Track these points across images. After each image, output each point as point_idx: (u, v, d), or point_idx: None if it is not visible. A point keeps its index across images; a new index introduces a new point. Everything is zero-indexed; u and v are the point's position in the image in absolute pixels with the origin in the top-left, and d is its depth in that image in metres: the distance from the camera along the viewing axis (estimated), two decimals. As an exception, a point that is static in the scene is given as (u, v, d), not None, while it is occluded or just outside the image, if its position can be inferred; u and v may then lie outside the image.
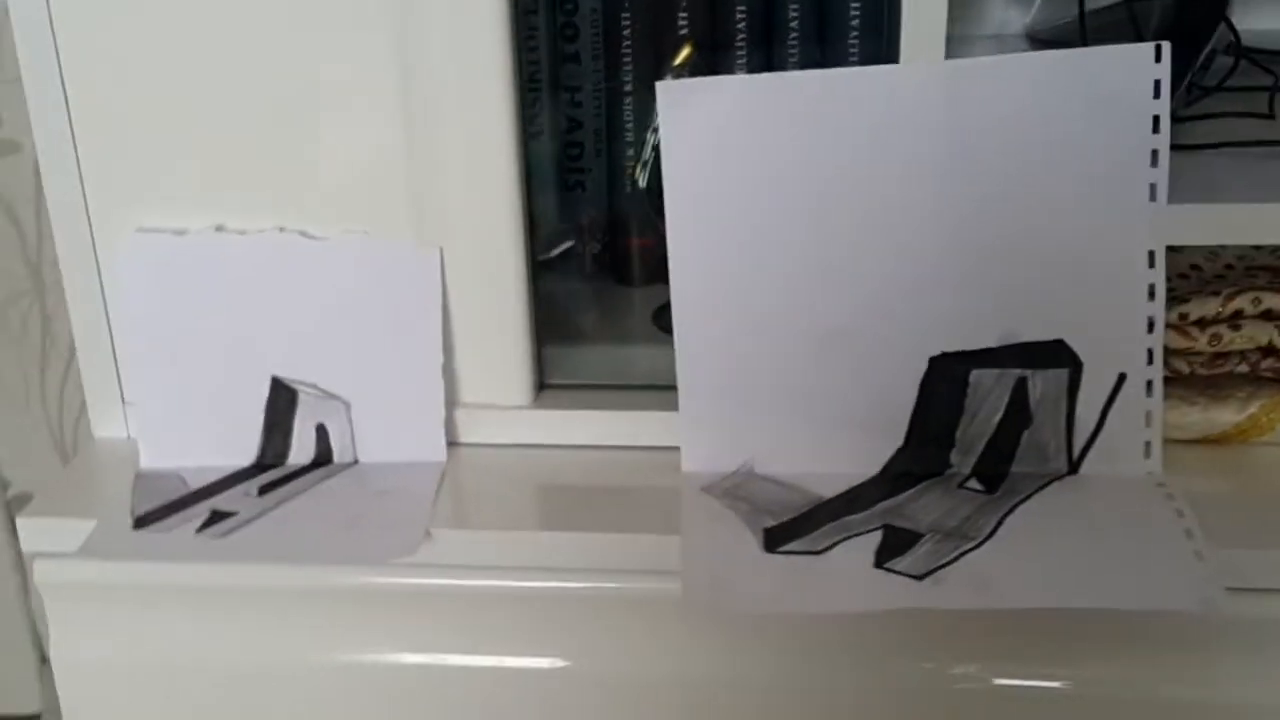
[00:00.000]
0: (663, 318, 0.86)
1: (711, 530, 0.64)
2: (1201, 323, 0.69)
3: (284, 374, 0.72)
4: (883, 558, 0.62)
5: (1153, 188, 0.64)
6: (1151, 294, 0.66)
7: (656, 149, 0.77)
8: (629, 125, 0.89)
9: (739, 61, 0.78)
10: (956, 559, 0.61)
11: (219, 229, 0.71)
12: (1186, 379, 0.70)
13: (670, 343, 0.71)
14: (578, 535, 0.65)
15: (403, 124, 0.68)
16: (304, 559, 0.64)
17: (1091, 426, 0.67)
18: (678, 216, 0.67)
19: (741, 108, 0.65)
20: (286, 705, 0.68)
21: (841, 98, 0.65)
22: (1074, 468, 0.68)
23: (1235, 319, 0.69)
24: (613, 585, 0.65)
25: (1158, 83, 0.63)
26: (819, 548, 0.63)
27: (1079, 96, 0.64)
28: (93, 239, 0.72)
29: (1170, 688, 0.62)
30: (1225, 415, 0.69)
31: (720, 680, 0.65)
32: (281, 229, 0.71)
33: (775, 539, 0.63)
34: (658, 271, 0.88)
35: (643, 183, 0.82)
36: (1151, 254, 0.65)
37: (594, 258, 0.92)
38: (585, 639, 0.66)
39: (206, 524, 0.67)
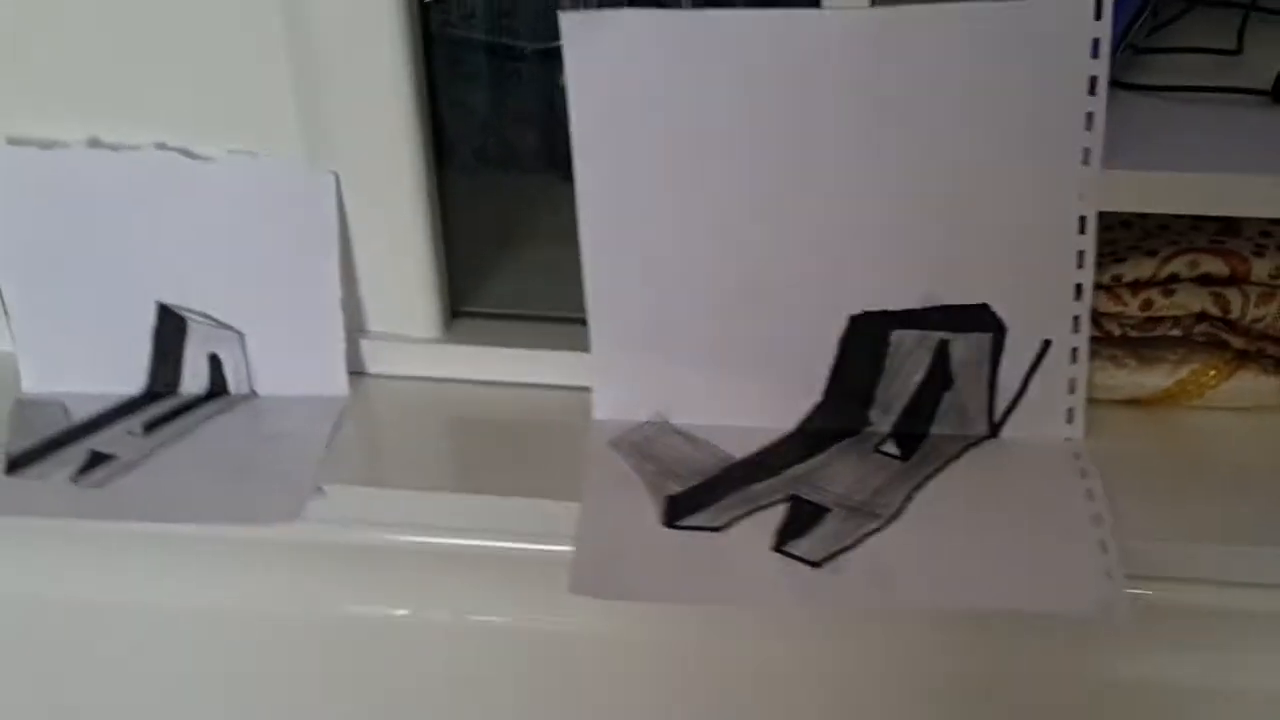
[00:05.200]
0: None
1: (611, 498, 0.62)
2: (1135, 285, 0.66)
3: (171, 300, 0.68)
4: (783, 538, 0.60)
5: (1086, 151, 0.60)
6: (1081, 260, 0.62)
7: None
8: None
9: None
10: (858, 543, 0.59)
11: (93, 143, 0.66)
12: (1117, 340, 0.67)
13: None
14: (472, 498, 0.62)
15: (286, 29, 0.62)
16: (179, 517, 0.61)
17: (1014, 391, 0.65)
18: (586, 154, 0.63)
19: (653, 44, 0.60)
20: (148, 649, 0.67)
21: (762, 40, 0.60)
22: (994, 431, 0.66)
23: (1170, 283, 0.66)
24: (502, 546, 0.62)
25: (1096, 41, 0.58)
26: (720, 523, 0.61)
27: (1013, 52, 0.59)
28: (-39, 147, 0.67)
29: (1069, 670, 0.61)
30: (1154, 379, 0.67)
31: (610, 639, 0.64)
32: (161, 145, 0.65)
33: (677, 510, 0.61)
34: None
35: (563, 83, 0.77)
36: (1083, 219, 0.62)
37: (533, 150, 0.87)
38: (472, 596, 0.64)
39: (83, 469, 0.64)
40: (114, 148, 0.65)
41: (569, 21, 0.59)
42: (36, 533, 0.64)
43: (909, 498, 0.62)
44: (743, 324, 0.65)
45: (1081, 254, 0.62)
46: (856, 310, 0.64)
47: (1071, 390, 0.65)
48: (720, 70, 0.60)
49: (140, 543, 0.64)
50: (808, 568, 0.58)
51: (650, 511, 0.61)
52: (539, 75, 0.86)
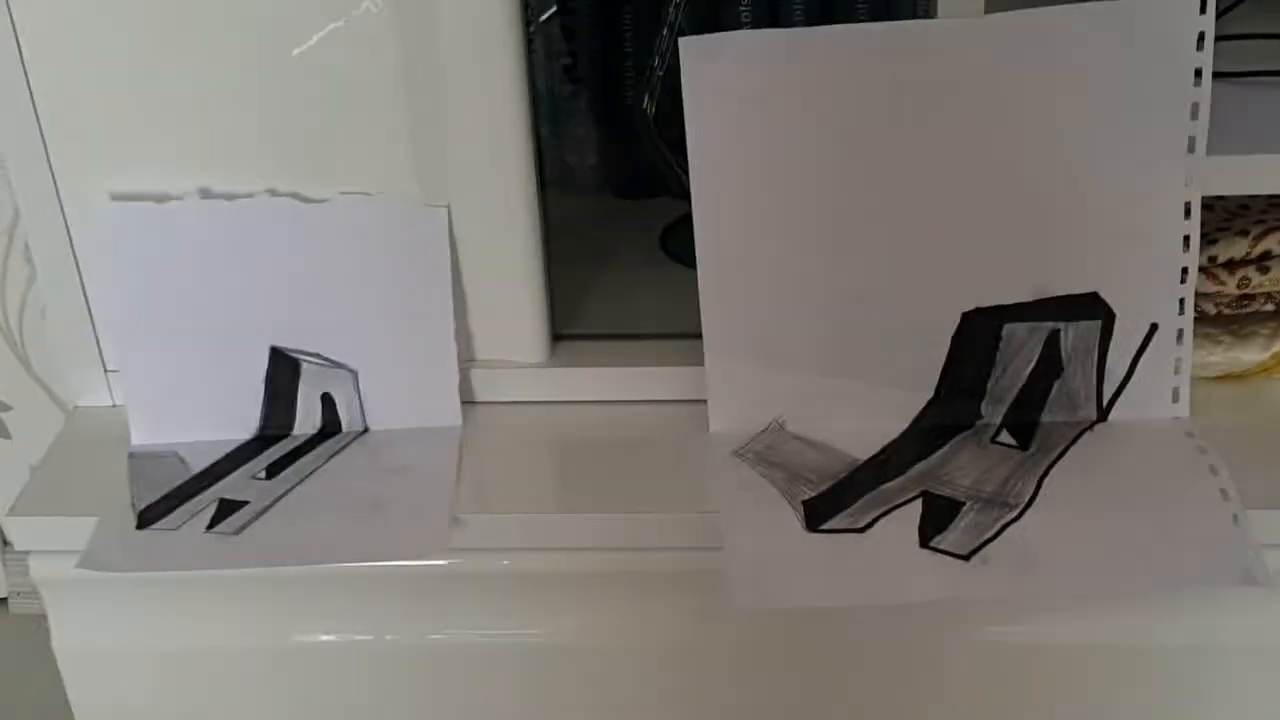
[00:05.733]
0: (670, 241, 0.83)
1: (750, 507, 0.63)
2: (1230, 265, 0.68)
3: (284, 344, 0.68)
4: (926, 534, 0.61)
5: (1191, 140, 0.62)
6: (1186, 244, 0.64)
7: (664, 76, 0.73)
8: (626, 33, 0.84)
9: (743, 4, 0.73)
10: (999, 533, 0.61)
11: (204, 193, 0.66)
12: (1211, 318, 0.69)
13: (681, 271, 0.69)
14: (611, 517, 0.63)
15: (403, 74, 0.62)
16: (327, 557, 0.62)
17: (1121, 375, 0.67)
18: (702, 172, 0.64)
19: (769, 62, 0.62)
20: (310, 688, 0.67)
21: (877, 53, 0.61)
22: (1103, 415, 0.67)
23: (1263, 260, 0.68)
24: (652, 561, 0.63)
25: (1201, 34, 0.60)
26: (861, 524, 0.62)
27: (1120, 48, 0.61)
28: (61, 206, 0.67)
29: (1204, 639, 0.63)
30: (1250, 354, 0.69)
31: (760, 653, 0.65)
32: (273, 191, 0.66)
33: (816, 514, 0.62)
34: (657, 185, 0.85)
35: (650, 111, 0.78)
36: (1188, 205, 0.64)
37: (590, 169, 0.88)
38: (623, 615, 0.65)
39: (216, 519, 0.64)
40: (226, 197, 0.65)
41: (688, 46, 0.61)
42: (175, 585, 0.64)
43: (1039, 485, 0.63)
44: (855, 328, 0.66)
45: (1187, 238, 0.64)
46: (969, 307, 0.66)
47: (1177, 371, 0.67)
48: (832, 83, 0.62)
49: (279, 586, 0.64)
50: (958, 561, 0.60)
51: (790, 517, 0.63)
52: (596, 98, 0.87)
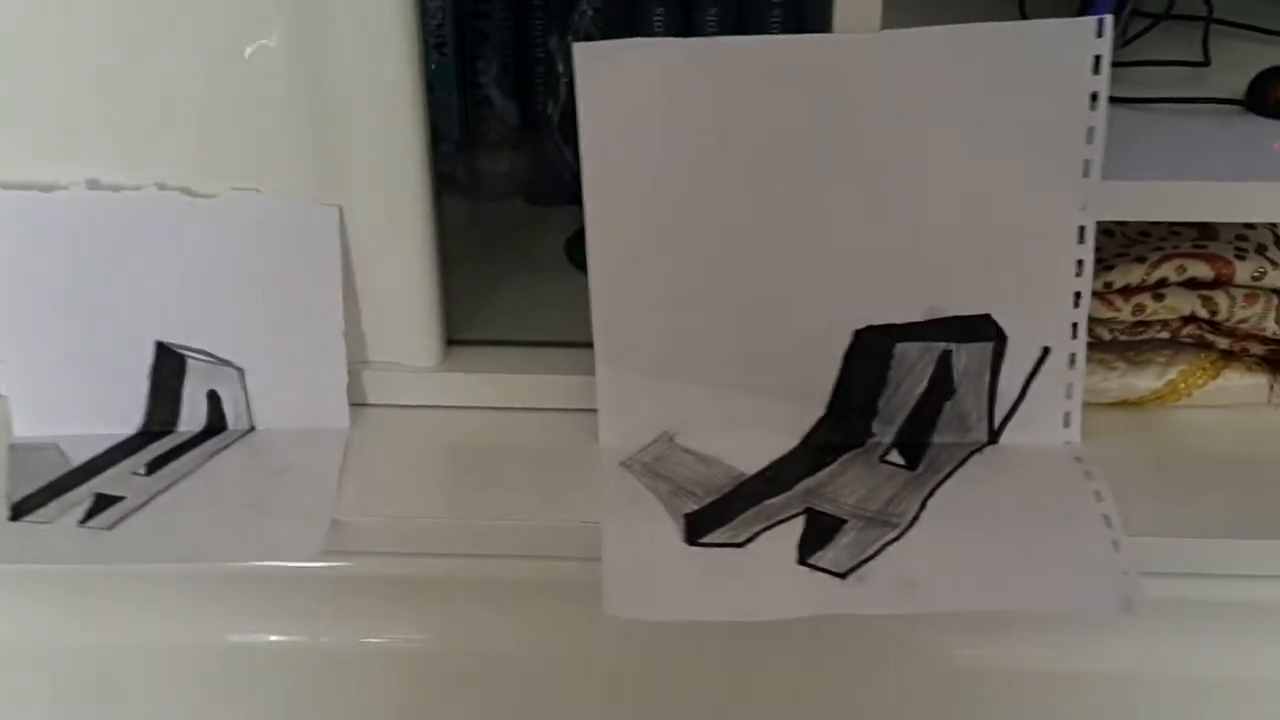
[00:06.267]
0: (575, 250, 0.82)
1: (631, 518, 0.62)
2: (1125, 291, 0.68)
3: (170, 339, 0.67)
4: (806, 551, 0.61)
5: (1087, 164, 0.62)
6: (1080, 268, 0.64)
7: (570, 82, 0.72)
8: (538, 37, 0.83)
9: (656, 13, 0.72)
10: (879, 552, 0.60)
11: (91, 184, 0.65)
12: (1106, 344, 0.69)
13: (583, 280, 0.68)
14: (493, 523, 0.62)
15: (295, 71, 0.62)
16: (198, 556, 0.61)
17: (1013, 398, 0.67)
18: (595, 180, 0.63)
19: (665, 72, 0.61)
20: (179, 689, 0.66)
21: (772, 65, 0.61)
22: (994, 438, 0.67)
23: (1159, 287, 0.68)
24: (530, 569, 0.62)
25: (1098, 58, 0.60)
26: (740, 539, 0.61)
27: (1017, 70, 0.61)
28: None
29: (1081, 664, 0.63)
30: (1144, 381, 0.69)
31: (638, 661, 0.64)
32: (162, 185, 0.65)
33: (696, 528, 0.62)
34: (569, 193, 0.84)
35: (555, 117, 0.77)
36: (1082, 229, 0.64)
37: (502, 176, 0.87)
38: (499, 623, 0.64)
39: (90, 513, 0.63)
40: (114, 188, 0.64)
41: (583, 52, 0.60)
42: (45, 579, 0.63)
43: (923, 505, 0.63)
44: (748, 342, 0.66)
45: (1081, 263, 0.64)
46: (860, 325, 0.65)
47: (1069, 395, 0.67)
48: (729, 95, 0.61)
49: (150, 584, 0.63)
50: (834, 579, 0.59)
51: (670, 530, 0.62)
52: (508, 103, 0.86)
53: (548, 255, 0.83)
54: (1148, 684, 0.62)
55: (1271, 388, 0.68)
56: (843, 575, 0.59)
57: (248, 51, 0.61)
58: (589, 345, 0.69)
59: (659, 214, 0.64)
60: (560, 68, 0.75)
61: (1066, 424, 0.67)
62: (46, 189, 0.65)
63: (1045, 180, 0.62)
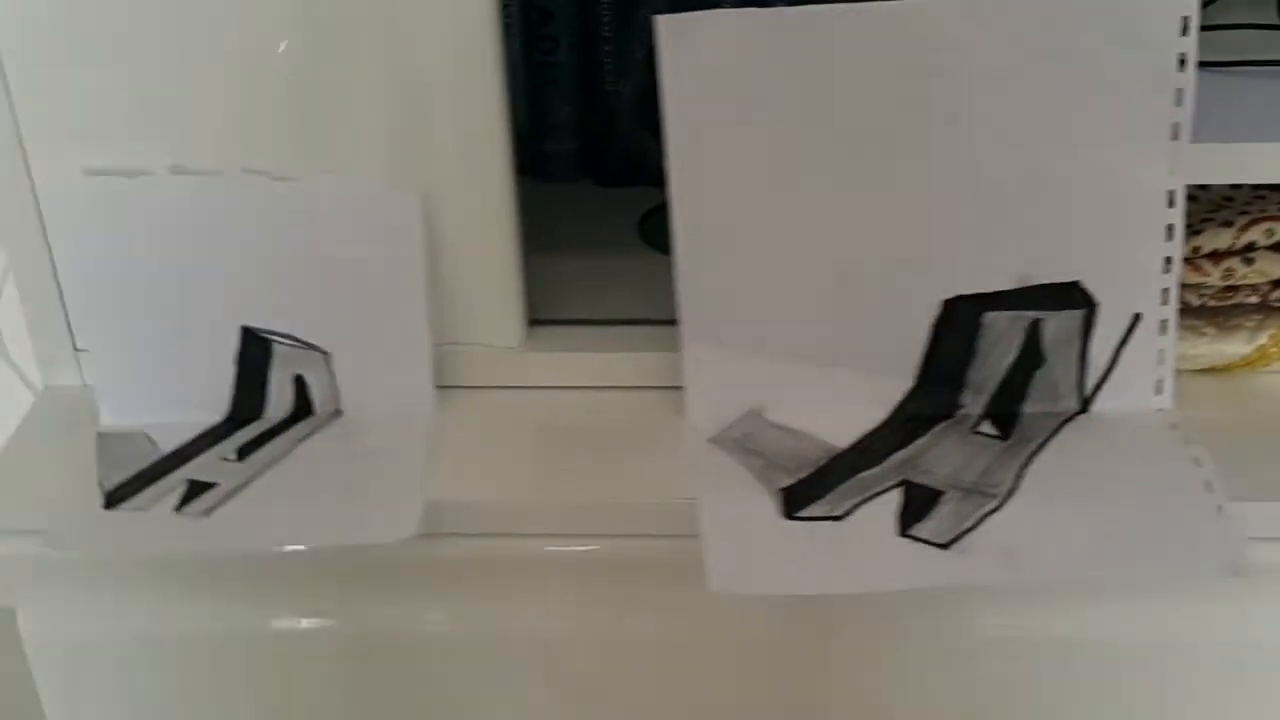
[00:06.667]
0: (648, 228, 0.82)
1: (727, 494, 0.62)
2: (1214, 256, 0.67)
3: (256, 324, 0.67)
4: (906, 522, 0.60)
5: (1176, 127, 0.61)
6: (1170, 233, 0.64)
7: (644, 60, 0.72)
8: (605, 17, 0.83)
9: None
10: (979, 523, 0.60)
11: (176, 169, 0.65)
12: (1195, 310, 0.68)
13: (659, 258, 0.69)
14: (588, 501, 0.62)
15: (379, 50, 0.61)
16: (296, 539, 0.61)
17: (1104, 366, 0.66)
18: (680, 154, 0.63)
19: (749, 42, 0.61)
20: (280, 674, 0.66)
21: (858, 32, 0.60)
22: (1085, 406, 0.67)
23: (1248, 251, 0.67)
24: (626, 548, 0.62)
25: (1186, 19, 0.60)
26: (839, 512, 0.61)
27: (1104, 32, 0.60)
28: (30, 180, 0.65)
29: (1186, 632, 0.62)
30: (1234, 346, 0.68)
31: (738, 637, 0.64)
32: (247, 169, 0.65)
33: (794, 501, 0.62)
34: (638, 173, 0.84)
35: (629, 89, 0.77)
36: (1171, 193, 0.63)
37: (570, 157, 0.87)
38: (596, 603, 0.64)
39: (185, 499, 0.63)
40: (198, 173, 0.64)
41: (666, 24, 0.60)
42: (145, 569, 0.63)
43: (1019, 475, 0.63)
44: (835, 315, 0.66)
45: (1170, 227, 0.63)
46: (949, 295, 0.65)
47: (1160, 361, 0.66)
48: (814, 64, 0.61)
49: (251, 571, 0.63)
50: (937, 550, 0.59)
51: (767, 505, 0.62)
52: (575, 83, 0.86)
53: (619, 235, 0.82)
54: (1250, 650, 0.61)
55: (1365, 350, 0.67)
56: (945, 546, 0.59)
57: (332, 33, 0.61)
58: (670, 323, 0.68)
59: (744, 186, 0.64)
60: (635, 43, 0.74)
61: (1159, 391, 0.66)
62: (131, 175, 0.64)
63: (1134, 144, 0.62)
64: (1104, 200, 0.63)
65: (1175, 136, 0.61)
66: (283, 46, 0.60)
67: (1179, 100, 0.61)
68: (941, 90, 0.61)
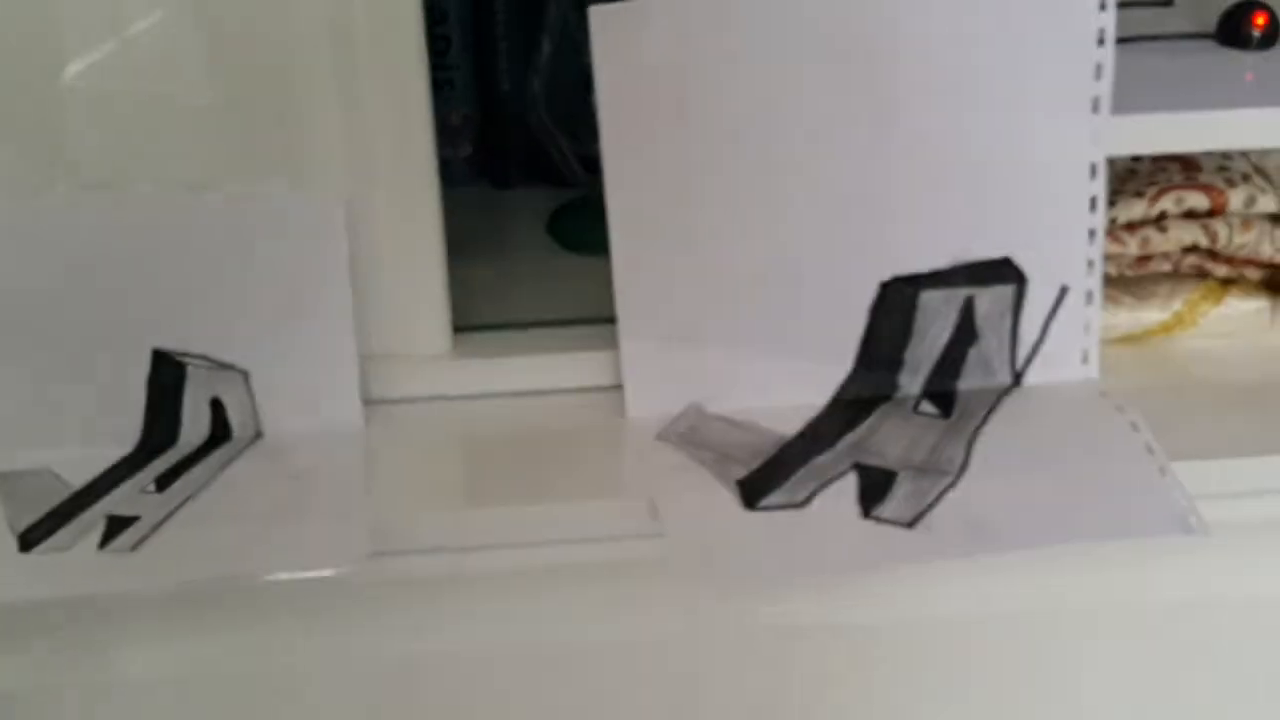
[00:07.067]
0: (558, 228, 0.81)
1: (685, 489, 0.61)
2: (1130, 227, 0.69)
3: (168, 345, 0.63)
4: (867, 505, 0.60)
5: (1096, 100, 0.63)
6: (1094, 205, 0.65)
7: (550, 56, 0.71)
8: (499, 17, 0.81)
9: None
10: (938, 499, 0.60)
11: (82, 186, 0.60)
12: (1113, 280, 0.70)
13: (571, 257, 0.73)
14: (546, 507, 0.60)
15: (300, 55, 0.59)
16: (239, 569, 0.57)
17: (1034, 338, 0.67)
18: (614, 148, 0.62)
19: (680, 29, 0.60)
20: (228, 713, 0.62)
21: (783, 12, 0.60)
22: (1017, 379, 0.67)
23: (1160, 220, 0.69)
24: (590, 553, 0.60)
25: (1101, -3, 0.61)
26: (799, 499, 0.60)
27: (1026, 7, 0.61)
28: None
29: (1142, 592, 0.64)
30: (1151, 314, 0.70)
31: (701, 638, 0.63)
32: (158, 183, 0.61)
33: (752, 492, 0.61)
34: (536, 172, 0.83)
35: (537, 87, 0.75)
36: (1094, 165, 0.64)
37: (465, 161, 0.84)
38: (560, 610, 0.62)
39: (107, 536, 0.59)
40: (106, 188, 0.60)
41: (599, 15, 0.59)
42: (63, 612, 0.58)
43: (969, 451, 0.63)
44: (774, 304, 0.65)
45: (1094, 199, 0.65)
46: (886, 277, 0.65)
47: (1086, 331, 0.67)
48: (744, 46, 0.60)
49: (180, 606, 0.59)
50: (902, 529, 0.59)
51: (726, 497, 0.61)
52: (469, 84, 0.84)
53: (529, 237, 0.81)
54: (1209, 606, 0.63)
55: (1273, 310, 0.70)
56: (909, 525, 0.59)
57: (248, 34, 0.58)
58: (596, 321, 0.67)
59: (677, 177, 0.63)
60: (544, 39, 0.73)
61: (1085, 360, 0.68)
62: (31, 192, 0.60)
63: (1058, 118, 0.63)
64: (1031, 174, 0.64)
65: (1096, 109, 0.63)
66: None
67: (1099, 74, 0.62)
68: (869, 70, 0.61)
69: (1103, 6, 0.61)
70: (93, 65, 0.58)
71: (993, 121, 0.63)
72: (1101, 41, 0.62)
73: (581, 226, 0.80)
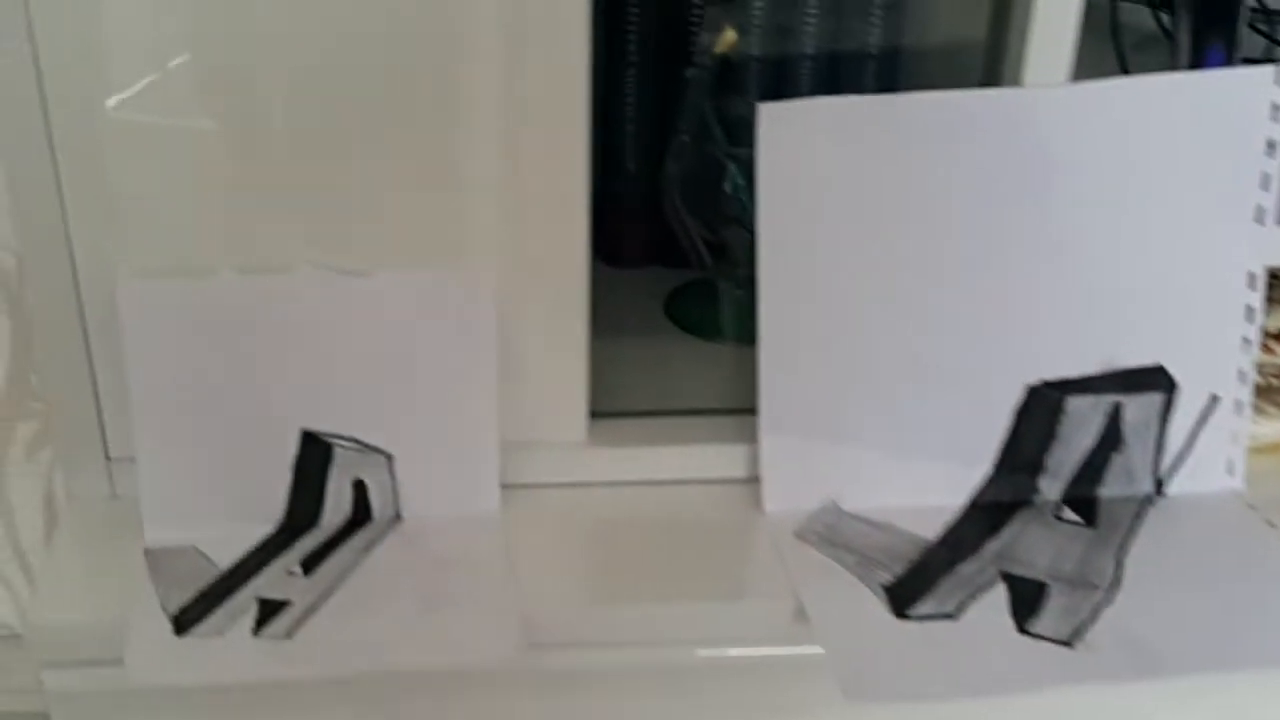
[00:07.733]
0: (675, 310, 0.80)
1: (831, 592, 0.60)
2: (1278, 335, 0.68)
3: (317, 427, 0.63)
4: (1021, 618, 0.59)
5: (1260, 209, 0.62)
6: (1249, 314, 0.64)
7: (692, 142, 0.71)
8: (628, 101, 0.81)
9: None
10: (1095, 616, 0.59)
11: (241, 268, 0.61)
12: (1262, 390, 0.69)
13: (689, 340, 0.73)
14: (689, 606, 0.60)
15: (450, 147, 0.59)
16: (393, 662, 0.57)
17: (1180, 447, 0.66)
18: (771, 243, 0.62)
19: (848, 130, 0.60)
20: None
21: (951, 120, 0.60)
22: (1159, 488, 0.67)
23: (1310, 330, 0.68)
24: (739, 654, 0.60)
25: (1275, 105, 0.60)
26: (950, 609, 0.60)
27: (1194, 119, 0.61)
28: (77, 286, 0.61)
29: None
30: (1294, 424, 0.69)
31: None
32: (313, 264, 0.61)
33: (901, 600, 0.60)
34: (651, 253, 0.83)
35: (674, 172, 0.75)
36: (1253, 275, 0.64)
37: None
38: (702, 710, 0.61)
39: (261, 621, 0.59)
40: (263, 270, 0.60)
41: (766, 112, 0.59)
42: (211, 696, 0.59)
43: (1119, 564, 0.62)
44: (916, 403, 0.65)
45: (1250, 308, 0.64)
46: (1033, 380, 0.64)
47: (1234, 441, 0.67)
48: (911, 151, 0.60)
49: (326, 691, 0.59)
50: (1062, 648, 0.58)
51: (873, 603, 0.60)
52: (643, 169, 0.84)
53: (643, 318, 0.80)
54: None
55: None
56: (1068, 643, 0.58)
57: (406, 123, 0.58)
58: (728, 412, 0.67)
59: (831, 274, 0.63)
60: (681, 128, 0.73)
61: (1230, 471, 0.67)
62: (191, 275, 0.60)
63: (1220, 227, 0.62)
64: (1189, 283, 0.63)
65: (1259, 220, 0.62)
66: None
67: (1265, 184, 0.61)
68: (1033, 178, 0.61)
69: (1274, 117, 0.61)
70: (262, 148, 0.58)
71: (1153, 229, 0.62)
72: (1271, 152, 0.61)
73: (702, 310, 0.80)
